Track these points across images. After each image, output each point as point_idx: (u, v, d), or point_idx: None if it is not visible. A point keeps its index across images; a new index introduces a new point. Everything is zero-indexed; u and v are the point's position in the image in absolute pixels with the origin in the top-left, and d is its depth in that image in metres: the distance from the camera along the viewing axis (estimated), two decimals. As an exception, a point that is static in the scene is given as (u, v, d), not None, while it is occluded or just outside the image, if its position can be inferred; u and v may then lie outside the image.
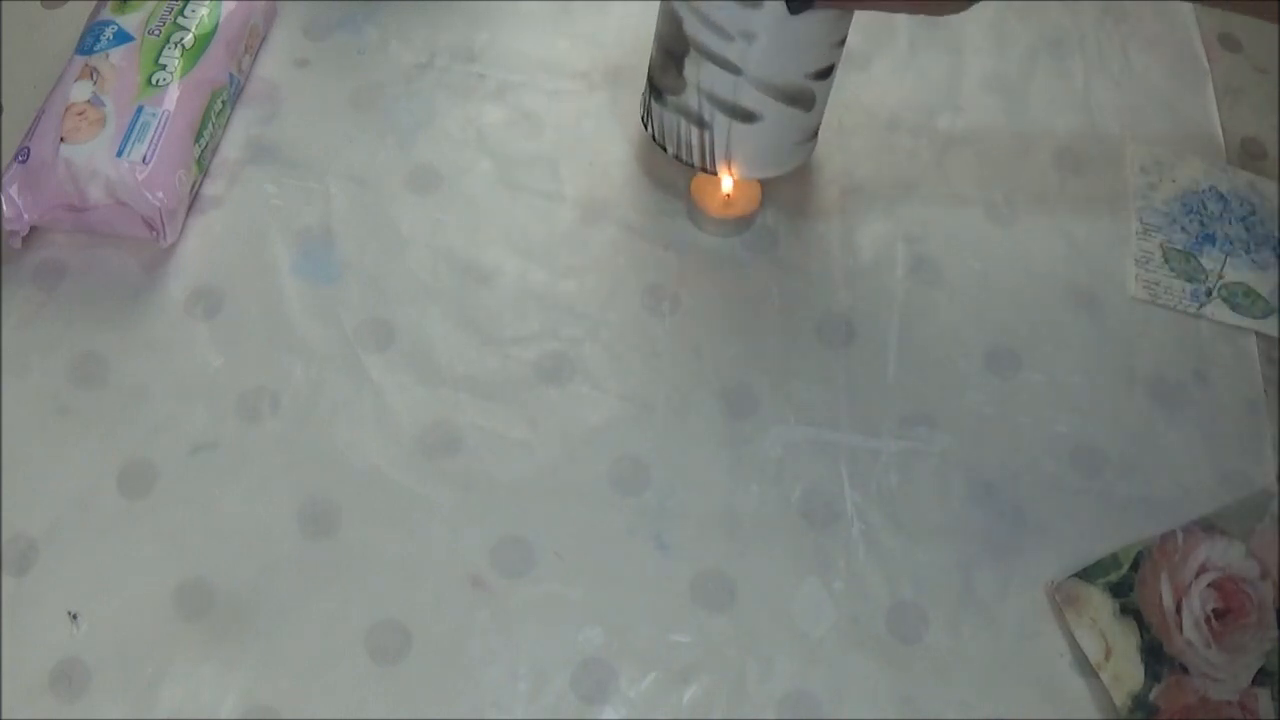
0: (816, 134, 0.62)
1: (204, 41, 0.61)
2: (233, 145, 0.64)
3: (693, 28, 0.55)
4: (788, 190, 0.64)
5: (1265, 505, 0.57)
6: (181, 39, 0.61)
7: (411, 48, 0.68)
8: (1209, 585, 0.54)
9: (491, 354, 0.59)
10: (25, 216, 0.57)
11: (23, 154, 0.57)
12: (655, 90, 0.60)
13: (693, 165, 0.60)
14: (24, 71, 0.65)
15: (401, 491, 0.55)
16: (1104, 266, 0.64)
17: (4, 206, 0.56)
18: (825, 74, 0.58)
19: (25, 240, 0.58)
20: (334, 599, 0.52)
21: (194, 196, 0.61)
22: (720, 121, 0.57)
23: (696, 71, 0.56)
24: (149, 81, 0.59)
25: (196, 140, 0.60)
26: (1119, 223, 0.66)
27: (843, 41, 0.57)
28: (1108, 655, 0.53)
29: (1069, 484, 0.57)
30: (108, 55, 0.59)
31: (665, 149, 0.61)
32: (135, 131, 0.57)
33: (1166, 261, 0.64)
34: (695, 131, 0.58)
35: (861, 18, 0.57)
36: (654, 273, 0.62)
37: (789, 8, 0.52)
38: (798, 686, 0.52)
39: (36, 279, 0.59)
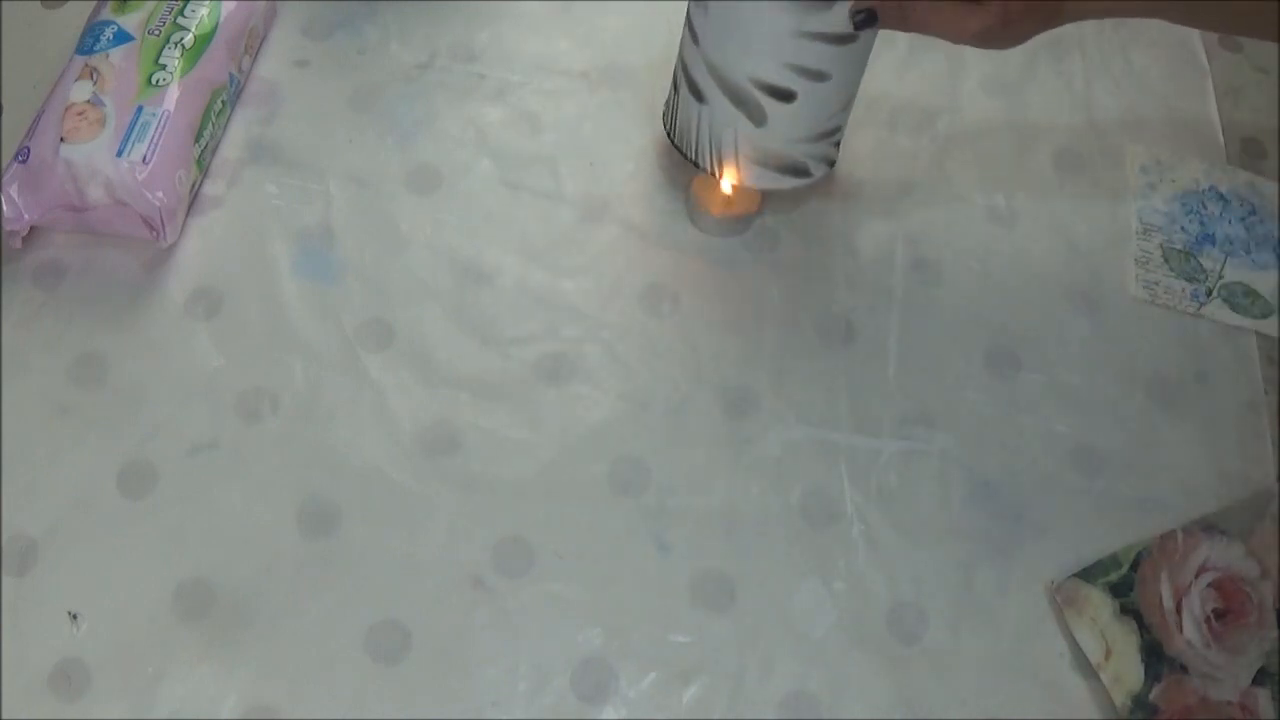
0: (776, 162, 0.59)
1: (204, 41, 0.61)
2: (233, 145, 0.64)
3: None
4: (788, 190, 0.64)
5: (1265, 505, 0.57)
6: (181, 39, 0.60)
7: (411, 48, 0.68)
8: (1209, 585, 0.54)
9: (491, 354, 0.59)
10: (25, 216, 0.57)
11: (23, 154, 0.57)
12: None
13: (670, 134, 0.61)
14: (24, 71, 0.65)
15: (401, 491, 0.55)
16: (1104, 266, 0.64)
17: (4, 206, 0.56)
18: (779, 93, 0.55)
19: (25, 240, 0.58)
20: (334, 599, 0.52)
21: (194, 196, 0.61)
22: (683, 94, 0.58)
23: (681, 35, 0.58)
24: (149, 81, 0.59)
25: (196, 140, 0.60)
26: (1119, 223, 0.66)
27: (809, 72, 0.55)
28: (1108, 655, 0.53)
29: (1069, 484, 0.57)
30: (108, 55, 0.59)
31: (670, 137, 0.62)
32: (135, 131, 0.57)
33: (1166, 261, 0.64)
34: (673, 96, 0.60)
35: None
36: (654, 273, 0.62)
37: (852, 21, 0.53)
38: (798, 686, 0.52)
39: (36, 279, 0.59)
